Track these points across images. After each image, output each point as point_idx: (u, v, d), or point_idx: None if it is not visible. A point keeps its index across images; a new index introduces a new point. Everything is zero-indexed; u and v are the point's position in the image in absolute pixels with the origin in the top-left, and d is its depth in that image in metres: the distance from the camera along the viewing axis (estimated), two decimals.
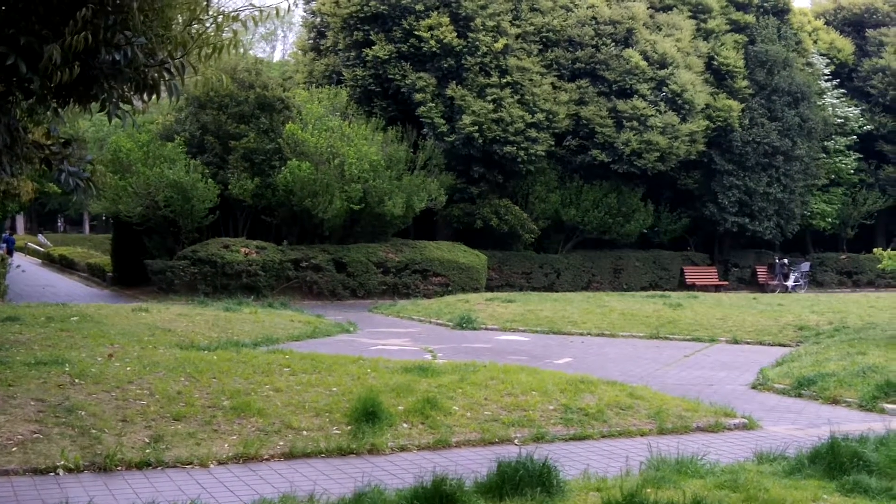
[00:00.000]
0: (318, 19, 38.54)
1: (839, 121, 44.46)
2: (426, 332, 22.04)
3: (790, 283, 40.23)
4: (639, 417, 11.15)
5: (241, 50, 12.29)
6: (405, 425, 10.12)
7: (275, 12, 8.42)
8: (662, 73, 36.14)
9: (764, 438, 10.64)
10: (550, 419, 10.78)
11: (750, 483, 7.98)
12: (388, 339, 19.94)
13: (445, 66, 34.09)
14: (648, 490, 7.66)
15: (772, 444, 9.93)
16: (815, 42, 45.80)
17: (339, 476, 8.53)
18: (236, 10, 8.35)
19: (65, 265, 45.95)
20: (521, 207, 36.42)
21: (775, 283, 40.24)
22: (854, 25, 48.16)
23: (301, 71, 38.64)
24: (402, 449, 9.61)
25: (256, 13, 8.31)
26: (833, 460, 8.52)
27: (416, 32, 33.85)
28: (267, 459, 9.05)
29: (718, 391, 13.68)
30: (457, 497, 7.30)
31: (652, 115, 35.56)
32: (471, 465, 8.79)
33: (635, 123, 35.34)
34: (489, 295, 28.80)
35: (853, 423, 11.65)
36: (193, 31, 8.15)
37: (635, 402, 11.60)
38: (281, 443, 9.38)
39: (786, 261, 41.55)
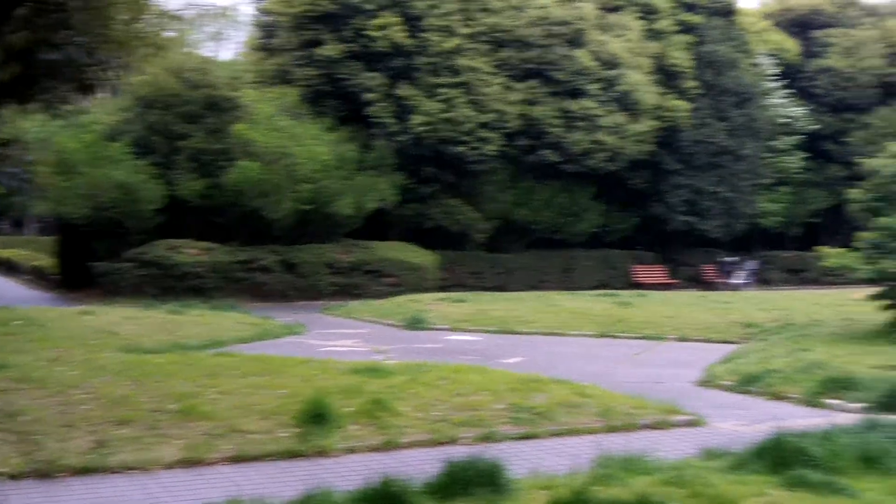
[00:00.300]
0: (268, 18, 38.29)
1: (786, 120, 44.97)
2: (377, 332, 21.98)
3: (738, 280, 40.62)
4: (588, 416, 11.17)
5: (188, 49, 12.20)
6: (354, 427, 10.05)
7: (220, 12, 8.35)
8: (612, 73, 36.33)
9: (711, 435, 10.72)
10: (500, 419, 10.76)
11: (696, 479, 8.01)
12: (338, 340, 19.86)
13: (396, 65, 34.05)
14: (596, 488, 7.68)
15: (718, 440, 10.02)
16: (763, 42, 46.25)
17: (286, 479, 8.48)
18: (179, 10, 8.28)
19: (8, 268, 45.28)
20: (473, 207, 36.45)
21: (723, 281, 40.59)
22: (800, 26, 48.69)
23: (251, 70, 38.36)
24: (351, 451, 9.56)
25: (201, 12, 8.24)
26: (777, 455, 8.60)
27: (366, 32, 33.75)
28: (214, 463, 8.97)
29: (667, 388, 13.75)
30: (405, 498, 7.29)
31: (602, 115, 35.74)
32: (420, 465, 8.76)
33: (585, 123, 35.50)
34: (440, 295, 28.77)
35: (798, 418, 11.76)
36: (135, 30, 8.07)
37: (584, 401, 11.62)
38: (228, 446, 9.29)
39: (734, 259, 41.95)
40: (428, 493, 7.55)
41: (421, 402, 11.02)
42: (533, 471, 8.58)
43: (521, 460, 9.14)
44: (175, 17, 8.09)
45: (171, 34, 8.33)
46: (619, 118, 36.08)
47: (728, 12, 42.68)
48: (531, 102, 35.72)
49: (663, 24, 40.02)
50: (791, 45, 47.23)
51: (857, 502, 7.56)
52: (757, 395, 13.85)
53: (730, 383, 14.67)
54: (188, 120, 31.77)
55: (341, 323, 24.17)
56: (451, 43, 34.20)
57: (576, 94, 35.92)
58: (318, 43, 34.51)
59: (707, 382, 15.00)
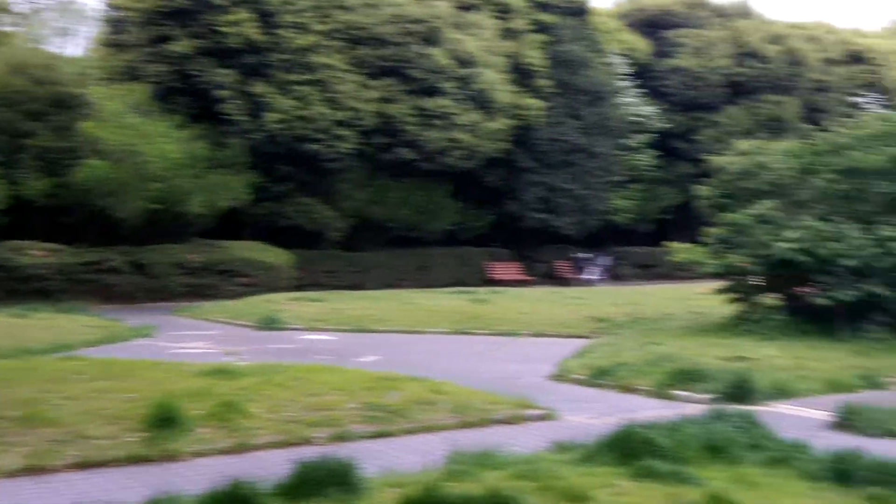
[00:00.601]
0: (117, 14, 37.25)
1: (637, 119, 46.00)
2: (230, 333, 21.64)
3: (591, 276, 41.39)
4: (442, 412, 11.19)
5: (32, 44, 11.75)
6: (204, 430, 9.85)
7: (64, 7, 8.05)
8: (468, 71, 36.58)
9: (563, 428, 10.85)
10: (354, 418, 10.69)
11: (546, 472, 8.12)
12: (189, 342, 19.45)
13: (250, 62, 33.55)
14: (448, 484, 7.68)
15: (570, 434, 10.13)
16: (616, 42, 47.21)
17: (134, 484, 8.25)
18: (13, 3, 7.93)
19: None
20: (329, 206, 36.22)
21: (577, 276, 41.31)
22: (652, 26, 49.93)
23: (99, 67, 37.25)
24: (201, 454, 9.38)
25: (40, 6, 7.93)
26: (626, 447, 8.75)
27: (218, 28, 33.15)
28: (59, 470, 8.70)
29: (521, 384, 13.87)
30: (253, 500, 7.19)
31: (458, 114, 35.95)
32: (272, 467, 8.60)
33: (441, 121, 35.66)
34: (295, 294, 28.50)
35: (648, 409, 12.03)
36: None
37: (439, 398, 11.63)
38: (74, 453, 9.01)
39: (587, 255, 42.72)
40: (278, 494, 7.45)
41: (273, 403, 10.87)
42: (386, 469, 8.53)
43: (375, 459, 9.08)
44: (5, 10, 7.73)
45: (7, 29, 7.95)
46: (475, 116, 36.36)
47: (581, 12, 43.44)
48: (387, 100, 35.67)
49: (518, 23, 40.50)
50: (643, 45, 48.40)
51: (702, 490, 7.72)
52: (608, 389, 14.11)
53: (582, 377, 14.90)
54: (33, 117, 30.73)
55: (193, 324, 23.71)
56: (306, 40, 33.92)
57: (432, 92, 36.04)
58: (168, 39, 33.72)
59: (560, 377, 15.20)
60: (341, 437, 10.10)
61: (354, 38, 35.95)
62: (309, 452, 8.81)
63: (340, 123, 34.15)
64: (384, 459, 9.12)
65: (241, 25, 33.12)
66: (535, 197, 40.36)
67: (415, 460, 9.05)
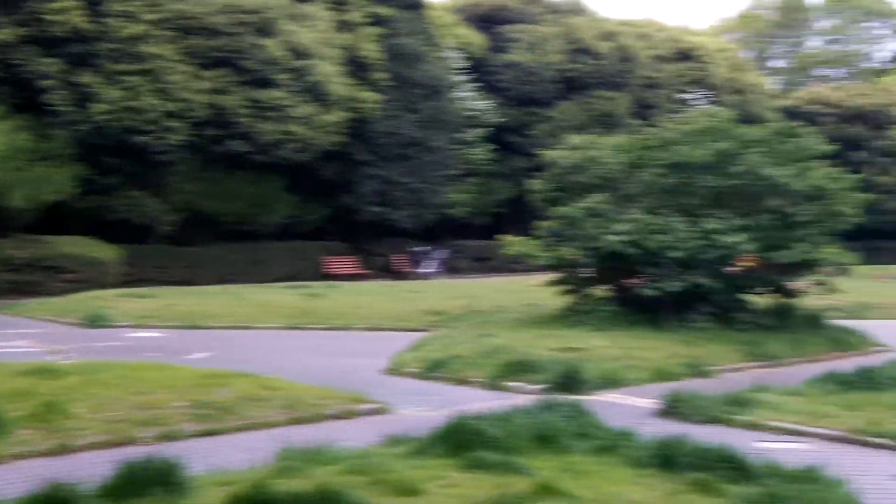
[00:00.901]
0: None
1: (473, 113, 46.44)
2: (55, 332, 20.86)
3: (427, 269, 41.63)
4: (274, 408, 11.07)
5: None
6: (25, 432, 9.48)
7: None
8: (302, 63, 36.19)
9: (396, 421, 10.87)
10: (182, 416, 10.48)
11: (378, 466, 8.11)
12: (10, 340, 18.63)
13: (76, 51, 32.34)
14: (278, 480, 7.61)
15: (403, 427, 10.15)
16: (452, 37, 47.54)
17: None
18: None
19: None
20: (159, 199, 35.31)
21: (413, 270, 41.47)
22: (487, 21, 50.49)
23: None
24: (21, 457, 9.02)
25: None
26: (457, 439, 8.81)
27: (43, 15, 31.85)
28: None
29: (355, 378, 13.82)
30: (74, 502, 6.94)
31: (292, 106, 35.54)
32: (96, 468, 8.31)
33: (275, 114, 35.16)
34: (124, 290, 27.69)
35: (481, 401, 12.15)
36: None
37: (271, 394, 11.51)
38: None
39: (423, 249, 42.94)
40: (100, 496, 7.22)
41: (98, 403, 10.54)
42: (215, 467, 8.38)
43: (203, 457, 8.91)
44: None
45: None
46: (310, 109, 36.04)
47: (417, 6, 43.57)
48: (220, 91, 34.97)
49: (354, 15, 40.32)
50: (478, 40, 48.89)
51: (531, 480, 7.82)
52: (442, 381, 14.20)
53: (416, 370, 14.95)
54: None
55: (15, 322, 22.72)
56: (136, 29, 32.92)
57: (265, 83, 35.52)
58: None
59: (394, 370, 15.22)
60: (169, 437, 9.90)
61: (186, 28, 35.11)
62: (135, 452, 8.57)
63: (171, 115, 33.28)
64: (213, 458, 8.95)
65: (68, 13, 31.90)
66: (372, 190, 40.32)
67: (245, 458, 8.90)
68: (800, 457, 9.00)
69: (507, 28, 49.51)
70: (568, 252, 20.23)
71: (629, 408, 12.21)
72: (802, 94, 61.85)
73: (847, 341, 18.89)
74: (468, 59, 47.56)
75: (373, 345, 18.63)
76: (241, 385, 11.76)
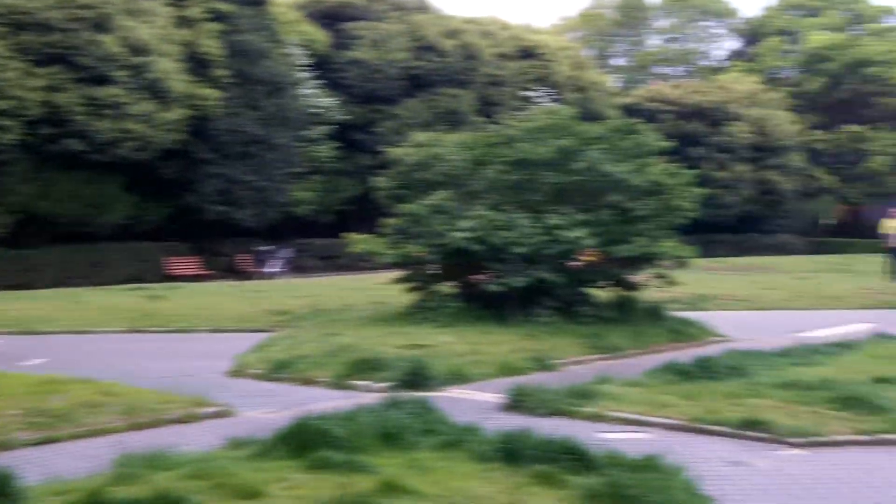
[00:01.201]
0: None
1: (317, 110, 46.11)
2: None
3: (272, 269, 41.19)
4: (112, 414, 10.75)
5: None
6: None
7: None
8: (141, 60, 35.26)
9: (239, 424, 10.70)
10: (15, 424, 10.09)
11: (219, 470, 7.96)
12: None
13: None
14: (115, 488, 7.42)
15: (246, 429, 10.01)
16: (295, 33, 47.07)
17: None
18: None
19: None
20: None
21: (258, 270, 40.99)
22: (330, 18, 50.09)
23: None
24: None
25: None
26: (301, 439, 8.72)
27: None
28: None
29: (197, 381, 13.52)
30: None
31: (130, 103, 34.61)
32: None
33: (113, 111, 34.17)
34: None
35: (327, 401, 12.05)
36: None
37: (109, 400, 11.19)
38: None
39: (268, 248, 42.45)
40: None
41: None
42: (50, 476, 8.11)
43: (38, 466, 8.63)
44: None
45: None
46: (149, 106, 35.17)
47: (259, 2, 42.93)
48: (54, 89, 33.78)
49: (194, 11, 39.51)
50: (322, 37, 48.53)
51: (375, 478, 7.81)
52: (287, 382, 14.04)
53: (260, 371, 14.76)
54: None
55: None
56: None
57: (102, 80, 34.48)
58: None
59: (238, 372, 14.98)
60: (2, 446, 9.51)
61: (17, 23, 33.79)
62: None
63: (3, 113, 31.99)
64: (48, 466, 8.66)
65: None
66: (214, 189, 39.63)
67: (83, 466, 8.65)
68: (641, 446, 9.22)
69: (350, 25, 49.30)
70: (414, 249, 20.26)
71: (475, 403, 12.30)
72: (642, 92, 63.51)
73: (686, 332, 19.43)
74: (312, 56, 47.17)
75: (216, 346, 18.28)
76: (79, 391, 11.41)
